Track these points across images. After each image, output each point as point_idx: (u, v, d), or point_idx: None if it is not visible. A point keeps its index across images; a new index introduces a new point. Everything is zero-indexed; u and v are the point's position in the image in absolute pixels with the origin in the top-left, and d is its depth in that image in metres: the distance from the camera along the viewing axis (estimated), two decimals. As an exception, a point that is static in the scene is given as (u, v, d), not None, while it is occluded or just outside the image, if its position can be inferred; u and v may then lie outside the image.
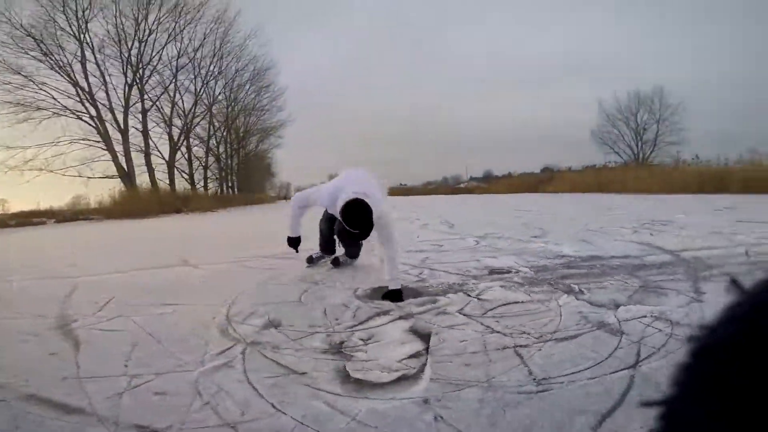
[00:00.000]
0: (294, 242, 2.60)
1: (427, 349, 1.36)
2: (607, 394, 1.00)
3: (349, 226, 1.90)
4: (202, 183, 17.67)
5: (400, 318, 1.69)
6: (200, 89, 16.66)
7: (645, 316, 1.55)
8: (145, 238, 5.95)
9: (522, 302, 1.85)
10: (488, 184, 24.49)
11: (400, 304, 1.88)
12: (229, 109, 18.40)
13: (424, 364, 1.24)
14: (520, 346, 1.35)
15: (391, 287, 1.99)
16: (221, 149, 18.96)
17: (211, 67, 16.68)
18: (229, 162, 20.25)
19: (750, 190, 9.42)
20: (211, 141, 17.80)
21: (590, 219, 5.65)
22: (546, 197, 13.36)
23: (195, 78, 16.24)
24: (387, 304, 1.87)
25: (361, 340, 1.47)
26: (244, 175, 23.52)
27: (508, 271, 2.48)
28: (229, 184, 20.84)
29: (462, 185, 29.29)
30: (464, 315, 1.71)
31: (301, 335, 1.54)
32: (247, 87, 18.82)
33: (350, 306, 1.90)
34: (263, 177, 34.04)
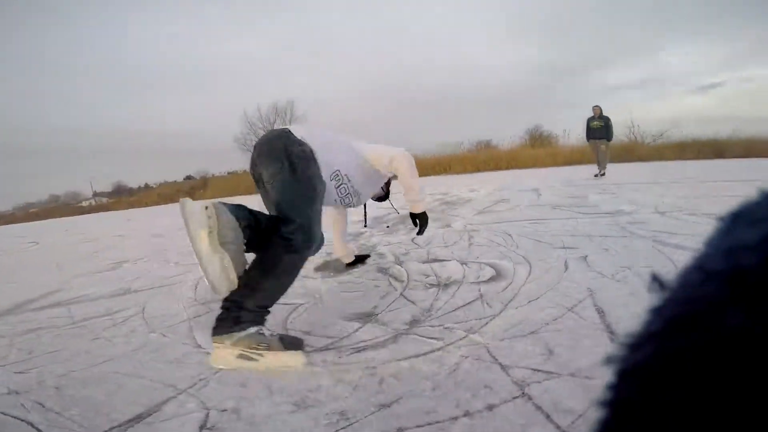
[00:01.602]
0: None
1: (465, 267, 1.90)
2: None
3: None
4: None
5: (396, 264, 1.98)
6: None
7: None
8: None
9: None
10: (129, 197, 19.52)
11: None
12: None
13: (498, 264, 1.83)
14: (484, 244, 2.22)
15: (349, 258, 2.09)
16: None
17: None
18: None
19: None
20: None
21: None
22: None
23: None
24: (365, 270, 2.03)
25: (433, 281, 1.72)
26: None
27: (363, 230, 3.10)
28: None
29: (85, 203, 21.22)
30: (415, 244, 2.28)
31: (405, 318, 1.39)
32: None
33: (351, 290, 1.79)
34: None
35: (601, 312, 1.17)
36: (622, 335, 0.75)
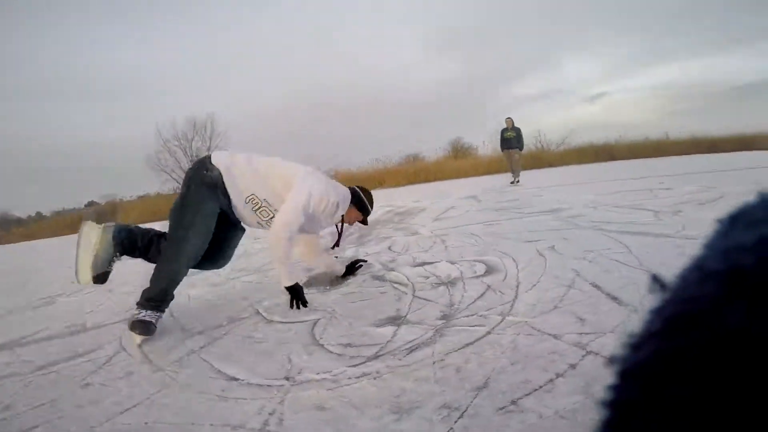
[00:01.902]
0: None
1: (458, 266, 2.04)
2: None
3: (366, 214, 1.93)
4: None
5: (389, 270, 2.05)
6: None
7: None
8: None
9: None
10: (18, 227, 15.67)
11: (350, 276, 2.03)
12: None
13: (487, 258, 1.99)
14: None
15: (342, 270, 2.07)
16: None
17: None
18: None
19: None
20: None
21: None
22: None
23: None
24: (361, 280, 2.05)
25: (436, 280, 1.82)
26: None
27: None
28: None
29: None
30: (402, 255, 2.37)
31: (435, 314, 1.58)
32: None
33: (361, 299, 1.84)
34: None
35: (596, 285, 1.41)
36: (625, 302, 0.90)
